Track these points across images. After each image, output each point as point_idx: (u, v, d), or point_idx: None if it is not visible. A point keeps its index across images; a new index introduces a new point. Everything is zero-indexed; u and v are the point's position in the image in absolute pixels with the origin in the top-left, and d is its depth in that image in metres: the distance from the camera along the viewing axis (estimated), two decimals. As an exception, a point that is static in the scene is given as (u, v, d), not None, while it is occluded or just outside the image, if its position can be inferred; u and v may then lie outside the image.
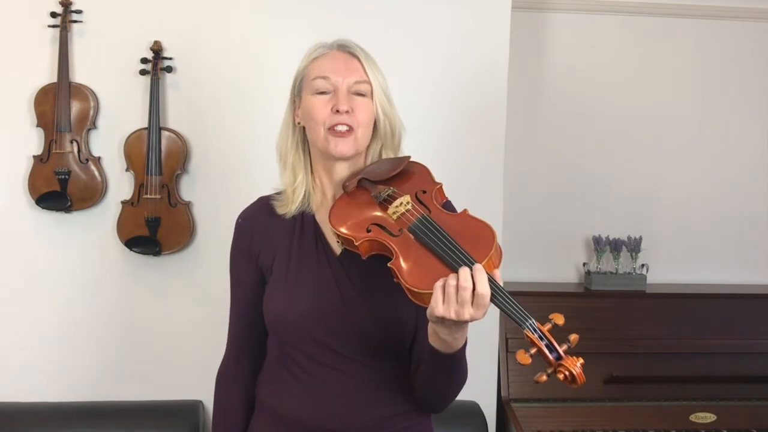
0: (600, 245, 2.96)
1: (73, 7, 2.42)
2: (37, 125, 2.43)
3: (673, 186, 3.11)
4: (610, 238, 2.97)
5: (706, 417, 2.56)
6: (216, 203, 2.52)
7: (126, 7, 2.45)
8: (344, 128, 1.43)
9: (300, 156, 1.53)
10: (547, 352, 1.19)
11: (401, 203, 1.38)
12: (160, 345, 2.55)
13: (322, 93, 1.46)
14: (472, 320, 1.21)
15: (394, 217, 1.37)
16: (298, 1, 2.51)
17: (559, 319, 1.21)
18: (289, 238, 1.50)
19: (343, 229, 1.39)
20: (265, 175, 2.48)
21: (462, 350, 1.32)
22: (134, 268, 2.52)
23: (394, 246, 1.31)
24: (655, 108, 3.08)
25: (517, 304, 1.21)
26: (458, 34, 2.55)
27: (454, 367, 1.35)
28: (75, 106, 2.42)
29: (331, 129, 1.44)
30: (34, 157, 2.44)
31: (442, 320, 1.22)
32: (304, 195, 1.51)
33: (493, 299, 1.20)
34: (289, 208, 1.51)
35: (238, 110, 2.51)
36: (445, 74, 2.56)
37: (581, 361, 1.19)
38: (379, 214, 1.39)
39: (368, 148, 1.52)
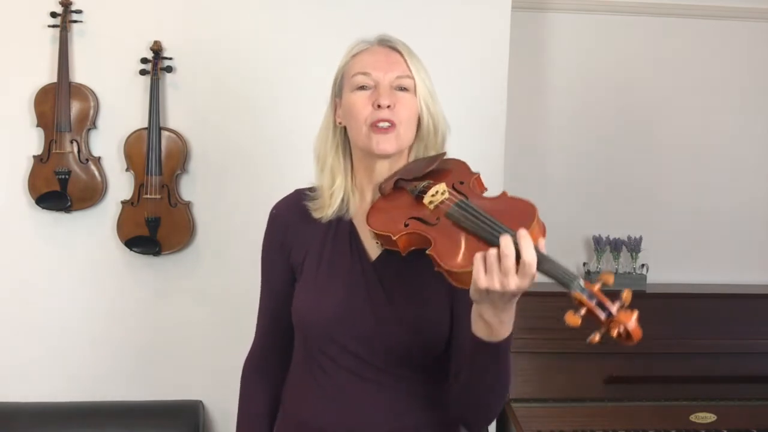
0: (600, 245, 2.96)
1: (73, 7, 2.42)
2: (37, 125, 2.43)
3: (673, 186, 3.10)
4: (610, 238, 2.97)
5: (706, 417, 2.56)
6: (216, 203, 2.53)
7: (126, 7, 2.45)
8: (386, 124, 1.38)
9: (340, 158, 1.47)
10: (598, 311, 1.11)
11: (437, 191, 1.34)
12: (160, 345, 2.55)
13: (363, 88, 1.40)
14: (518, 291, 1.14)
15: (431, 207, 1.33)
16: (297, 1, 2.51)
17: (609, 278, 1.12)
18: (323, 237, 1.46)
19: (380, 228, 1.35)
20: (266, 175, 2.51)
21: (507, 343, 1.24)
22: (134, 268, 2.52)
23: (432, 234, 1.27)
24: (655, 108, 3.08)
25: (563, 266, 1.15)
26: (458, 34, 2.55)
27: (498, 361, 1.26)
28: (75, 106, 2.42)
29: (373, 125, 1.38)
30: (34, 157, 2.44)
31: (486, 294, 1.15)
32: (343, 200, 1.46)
33: (540, 266, 1.14)
34: (325, 212, 1.45)
35: (238, 110, 2.51)
36: (445, 74, 2.54)
37: (636, 314, 1.10)
38: (416, 207, 1.35)
39: (411, 147, 1.47)
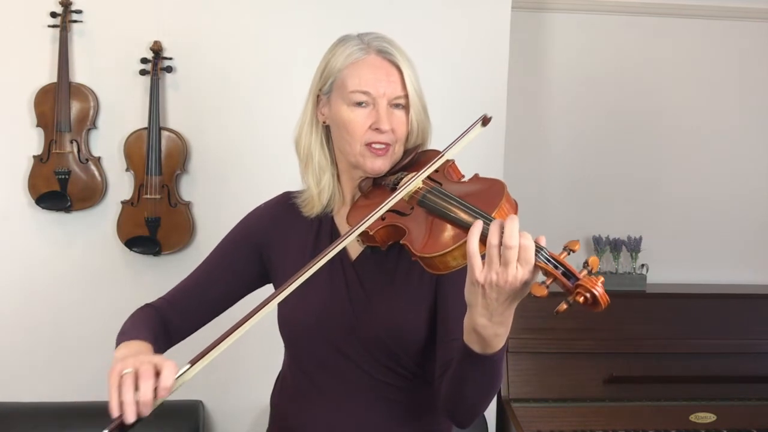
0: (600, 245, 2.96)
1: (73, 7, 2.42)
2: (37, 125, 2.43)
3: (673, 186, 3.11)
4: (610, 238, 2.97)
5: (706, 417, 2.56)
6: (216, 203, 2.52)
7: (126, 7, 2.45)
8: (382, 146, 1.38)
9: (325, 155, 1.45)
10: (564, 279, 1.07)
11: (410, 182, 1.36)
12: (160, 345, 2.55)
13: (360, 104, 1.38)
14: (517, 282, 1.07)
15: (406, 198, 1.34)
16: (297, 1, 2.51)
17: (575, 246, 1.09)
18: (306, 238, 1.47)
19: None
20: (266, 175, 2.51)
21: (501, 354, 1.18)
22: (134, 268, 2.52)
23: (406, 224, 1.29)
24: (655, 108, 3.08)
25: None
26: (458, 35, 2.55)
27: (489, 371, 1.20)
28: (75, 106, 2.42)
29: (369, 145, 1.38)
30: (34, 157, 2.44)
31: (483, 292, 1.09)
32: (330, 197, 1.46)
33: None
34: (314, 210, 1.46)
35: (238, 110, 2.51)
36: (445, 74, 2.56)
37: (602, 279, 1.05)
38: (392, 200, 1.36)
39: None
